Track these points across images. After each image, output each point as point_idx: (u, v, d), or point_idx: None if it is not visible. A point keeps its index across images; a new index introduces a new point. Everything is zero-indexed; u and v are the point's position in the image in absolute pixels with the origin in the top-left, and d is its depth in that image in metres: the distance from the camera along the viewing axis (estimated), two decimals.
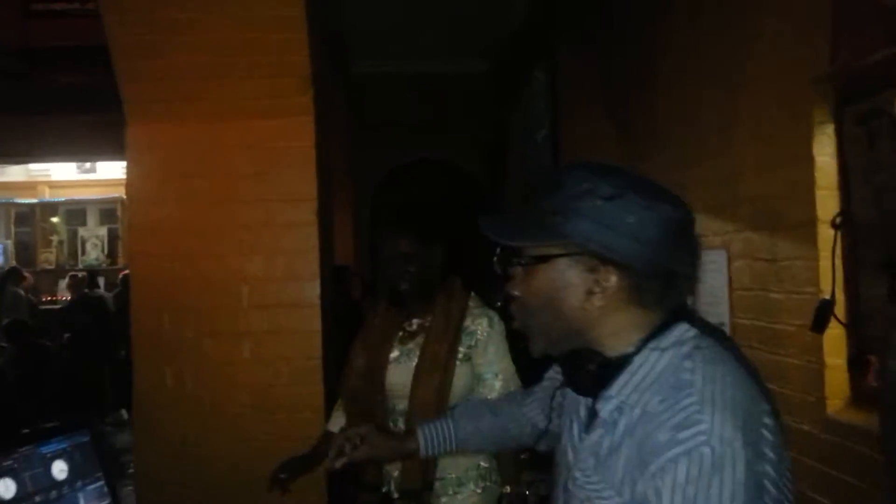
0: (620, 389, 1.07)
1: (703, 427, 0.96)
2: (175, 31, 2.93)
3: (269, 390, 3.00)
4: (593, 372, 1.10)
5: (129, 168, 3.02)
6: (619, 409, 1.06)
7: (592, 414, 1.13)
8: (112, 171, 10.14)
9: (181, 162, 3.01)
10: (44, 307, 9.56)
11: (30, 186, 10.89)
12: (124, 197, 10.40)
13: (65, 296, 9.61)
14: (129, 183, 3.05)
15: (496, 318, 2.23)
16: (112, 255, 10.76)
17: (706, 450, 0.94)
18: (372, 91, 7.30)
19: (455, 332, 2.20)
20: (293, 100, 2.98)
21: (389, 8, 5.92)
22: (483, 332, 2.20)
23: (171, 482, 2.89)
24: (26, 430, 1.72)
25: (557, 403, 1.32)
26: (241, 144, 3.01)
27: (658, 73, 3.64)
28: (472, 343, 2.20)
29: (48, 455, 1.60)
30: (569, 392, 1.22)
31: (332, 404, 2.44)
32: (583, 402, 1.17)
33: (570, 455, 1.17)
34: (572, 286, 1.09)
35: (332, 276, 3.69)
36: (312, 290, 3.03)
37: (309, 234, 3.04)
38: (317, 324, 3.03)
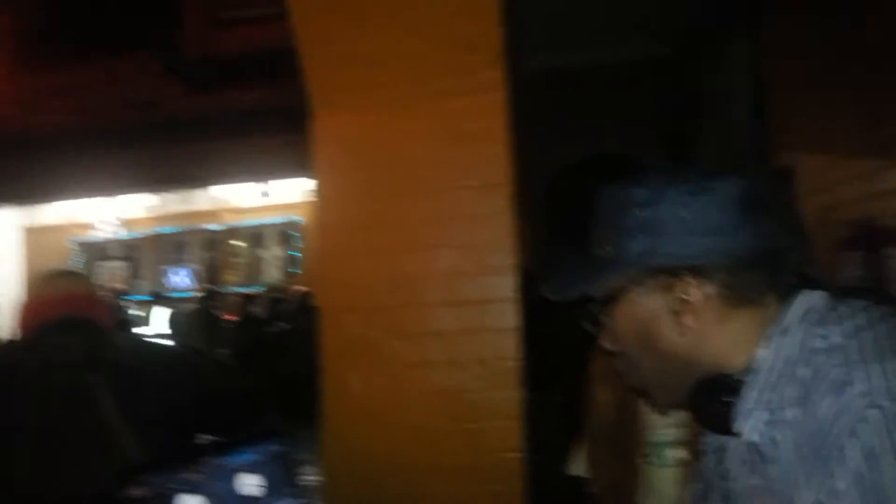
0: (757, 396, 0.89)
1: (859, 388, 0.79)
2: (359, 14, 2.74)
3: (462, 396, 2.70)
4: (725, 399, 0.91)
5: (316, 163, 2.85)
6: (771, 423, 0.88)
7: (754, 451, 0.92)
8: (285, 194, 10.54)
9: (367, 152, 2.81)
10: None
11: (212, 213, 11.56)
12: (298, 219, 10.85)
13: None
14: (318, 177, 2.88)
15: None
16: (289, 275, 11.05)
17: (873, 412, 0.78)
18: (539, 86, 6.90)
19: None
20: (483, 74, 2.68)
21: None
22: None
23: (361, 499, 2.63)
24: (213, 440, 1.56)
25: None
26: (426, 129, 2.76)
27: None
28: None
29: (237, 467, 1.41)
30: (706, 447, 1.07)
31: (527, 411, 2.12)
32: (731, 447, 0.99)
33: None
34: (656, 315, 0.94)
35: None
36: (507, 285, 2.71)
37: (502, 223, 2.72)
38: (512, 321, 2.69)
